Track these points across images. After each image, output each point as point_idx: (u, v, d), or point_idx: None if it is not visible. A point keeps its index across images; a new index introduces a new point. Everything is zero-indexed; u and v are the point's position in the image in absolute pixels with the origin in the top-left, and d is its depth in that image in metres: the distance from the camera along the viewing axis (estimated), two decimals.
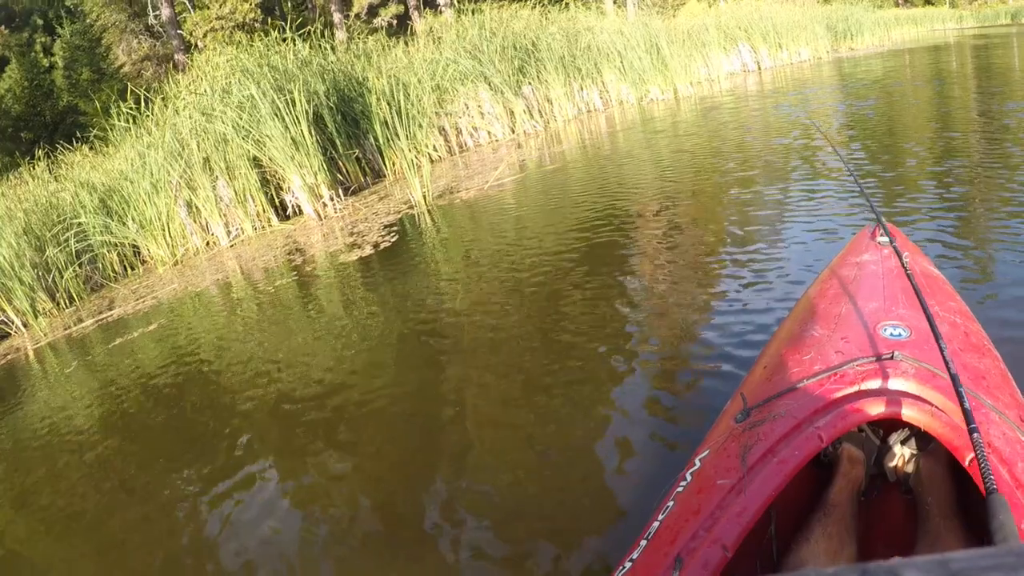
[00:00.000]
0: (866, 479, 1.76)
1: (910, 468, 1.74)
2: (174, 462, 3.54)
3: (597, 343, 3.66)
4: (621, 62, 15.75)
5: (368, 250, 6.60)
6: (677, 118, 12.87)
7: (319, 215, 9.29)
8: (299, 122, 9.33)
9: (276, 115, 9.30)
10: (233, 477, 3.19)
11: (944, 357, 1.44)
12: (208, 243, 9.55)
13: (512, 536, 2.37)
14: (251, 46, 10.98)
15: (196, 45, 22.81)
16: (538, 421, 3.04)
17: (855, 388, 1.55)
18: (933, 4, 60.06)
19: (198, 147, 9.52)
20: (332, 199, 9.44)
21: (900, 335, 1.71)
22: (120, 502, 3.28)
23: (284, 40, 11.39)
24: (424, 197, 8.23)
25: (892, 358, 1.58)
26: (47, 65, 31.29)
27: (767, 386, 1.78)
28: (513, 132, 13.17)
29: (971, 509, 1.55)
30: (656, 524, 1.49)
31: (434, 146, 11.75)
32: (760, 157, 7.67)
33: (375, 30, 25.47)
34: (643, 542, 1.48)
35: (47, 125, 26.35)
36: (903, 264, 2.02)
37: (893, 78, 15.63)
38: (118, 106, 10.54)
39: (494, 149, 12.04)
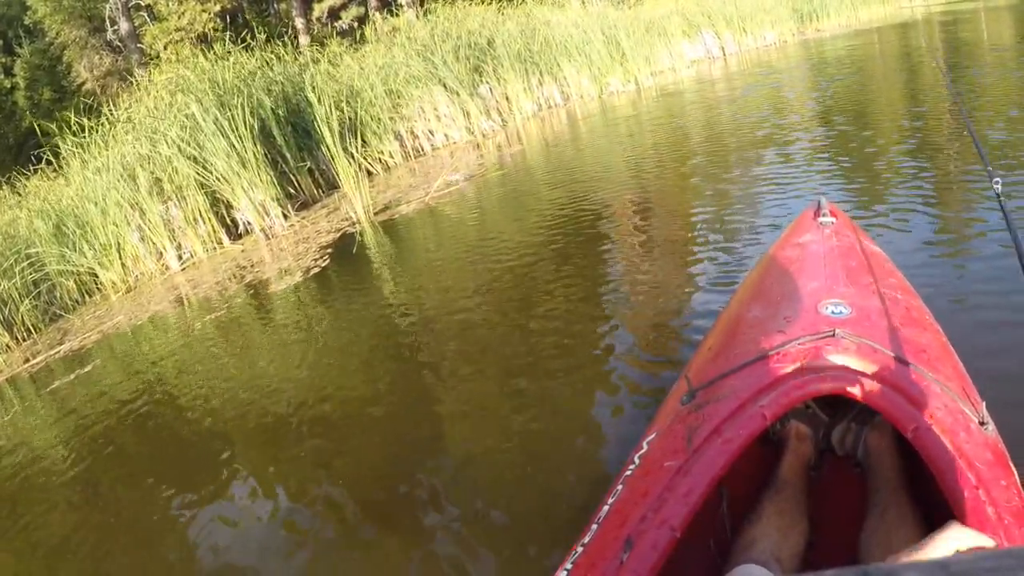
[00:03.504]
0: (815, 455, 1.81)
1: (858, 443, 1.78)
2: (148, 486, 3.55)
3: (558, 336, 3.73)
4: (579, 55, 15.58)
5: (303, 273, 6.40)
6: (638, 109, 12.71)
7: (266, 234, 9.05)
8: (244, 139, 9.10)
9: (220, 133, 9.07)
10: (209, 495, 3.23)
11: (885, 332, 1.60)
12: (162, 268, 9.35)
13: (487, 529, 2.42)
14: (198, 60, 10.73)
15: (158, 57, 22.49)
16: (504, 418, 3.09)
17: (797, 366, 1.58)
18: None
19: (143, 168, 9.30)
20: (282, 215, 9.21)
21: (841, 312, 1.75)
22: (97, 528, 3.28)
23: (246, 48, 11.18)
24: (367, 211, 7.97)
25: (833, 335, 1.61)
26: (8, 86, 30.93)
27: (712, 367, 1.82)
28: (471, 133, 12.93)
29: (918, 480, 1.59)
30: (606, 508, 1.51)
31: (390, 152, 11.52)
32: (715, 142, 7.87)
33: (339, 33, 25.27)
34: (594, 526, 1.49)
35: (10, 148, 26.01)
36: (844, 243, 2.17)
37: (859, 57, 15.59)
38: (77, 126, 10.29)
39: (451, 152, 11.76)
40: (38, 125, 13.45)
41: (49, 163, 11.15)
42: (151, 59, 22.48)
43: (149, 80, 11.04)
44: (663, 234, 5.08)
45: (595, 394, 3.02)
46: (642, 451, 1.66)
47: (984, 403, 1.54)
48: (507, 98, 13.96)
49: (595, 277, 4.51)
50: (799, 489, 1.66)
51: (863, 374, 1.50)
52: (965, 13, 29.16)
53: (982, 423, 1.45)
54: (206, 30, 23.82)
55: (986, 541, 1.02)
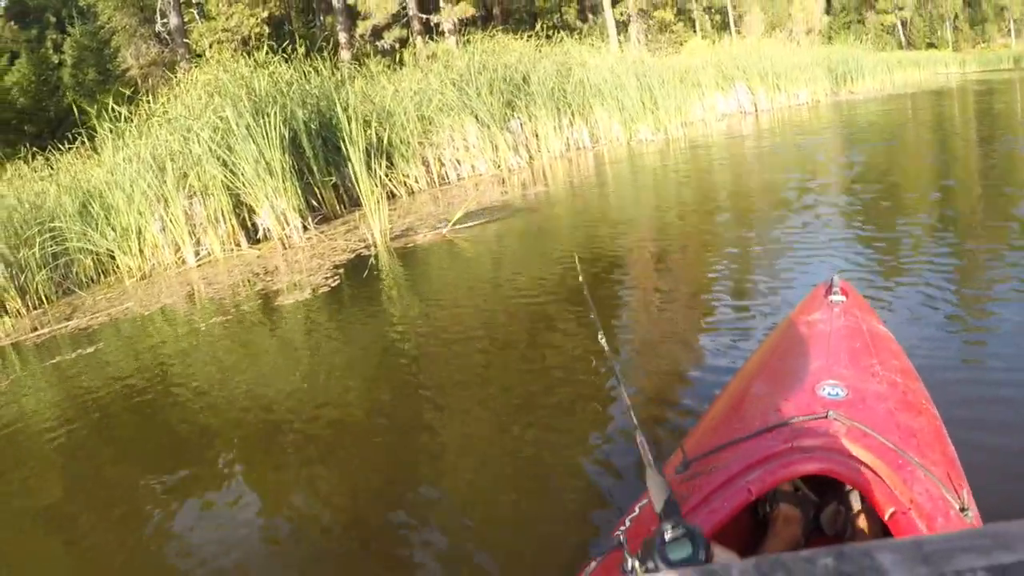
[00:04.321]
0: (802, 537, 1.82)
1: (847, 524, 1.81)
2: (134, 470, 3.63)
3: (560, 384, 3.74)
4: (612, 100, 15.77)
5: (312, 290, 6.49)
6: (666, 159, 12.84)
7: (283, 243, 9.27)
8: (273, 147, 9.35)
9: (251, 139, 9.33)
10: (194, 489, 3.28)
11: (878, 416, 1.62)
12: (178, 260, 9.58)
13: (468, 565, 2.42)
14: (237, 65, 11.00)
15: (202, 55, 22.85)
16: (498, 458, 3.11)
17: (788, 445, 1.61)
18: (936, 47, 60.28)
19: (172, 162, 9.56)
20: (301, 227, 9.42)
21: (837, 395, 1.78)
22: (87, 503, 3.38)
23: (287, 59, 11.43)
24: (384, 235, 8.08)
25: (826, 417, 1.66)
26: (56, 62, 31.52)
27: (708, 440, 1.86)
28: (497, 167, 13.13)
29: None
30: (593, 564, 1.58)
31: (415, 177, 11.74)
32: (739, 201, 7.85)
33: (381, 52, 25.63)
34: None
35: (51, 121, 26.42)
36: (851, 323, 2.19)
37: (891, 123, 15.61)
38: (114, 110, 10.56)
39: (476, 184, 11.94)
40: (78, 105, 13.80)
41: (84, 143, 11.45)
42: (195, 56, 22.89)
43: (190, 78, 11.31)
44: (677, 294, 5.07)
45: (590, 448, 3.03)
46: (634, 514, 1.73)
47: (967, 489, 1.60)
48: (536, 135, 14.16)
49: (604, 329, 4.41)
50: None
51: (850, 457, 1.55)
52: (1000, 83, 28.97)
53: (963, 509, 1.49)
54: (251, 34, 24.26)
55: None
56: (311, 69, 11.79)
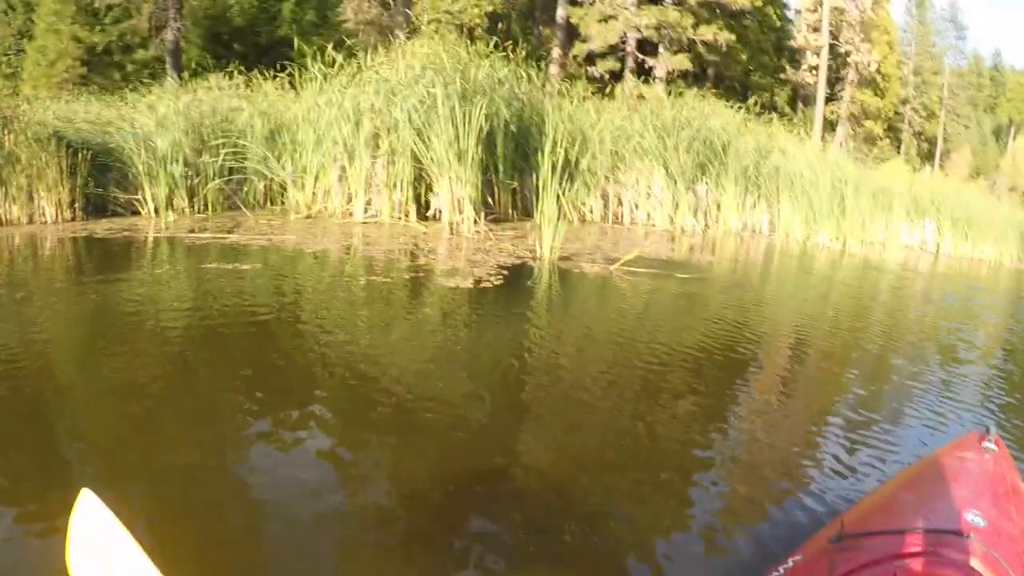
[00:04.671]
0: None
1: None
2: (238, 393, 3.71)
3: (677, 449, 3.67)
4: (802, 195, 15.35)
5: (474, 282, 6.49)
6: (835, 270, 12.39)
7: (452, 229, 9.31)
8: (469, 135, 9.39)
9: (451, 120, 9.39)
10: (291, 427, 3.31)
11: (1011, 552, 1.83)
12: (346, 212, 9.73)
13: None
14: (459, 48, 11.14)
15: (418, 30, 23.46)
16: (591, 492, 3.08)
17: (932, 549, 1.84)
18: None
19: (370, 120, 9.72)
20: (472, 219, 9.44)
21: (978, 523, 1.96)
22: (177, 405, 3.48)
23: (505, 56, 11.54)
24: (552, 252, 8.02)
25: (968, 537, 1.84)
26: None
27: (861, 525, 2.11)
28: (671, 223, 12.95)
29: None
30: None
31: (591, 207, 11.66)
32: (903, 336, 7.44)
33: (589, 77, 25.82)
34: None
35: (259, 46, 27.54)
36: (999, 471, 2.42)
37: None
38: (330, 54, 10.85)
39: (646, 234, 11.79)
40: (297, 38, 14.31)
41: (290, 75, 11.78)
42: (413, 28, 23.50)
43: (411, 47, 11.48)
44: (808, 399, 4.95)
45: (671, 521, 2.95)
46: (787, 565, 2.01)
47: None
48: (718, 206, 13.90)
49: (723, 411, 4.36)
50: None
51: (977, 574, 1.73)
52: None
53: None
54: (472, 23, 24.75)
55: None
56: (525, 74, 11.83)
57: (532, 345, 5.08)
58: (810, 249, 14.65)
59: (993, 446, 2.64)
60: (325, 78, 10.75)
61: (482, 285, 6.39)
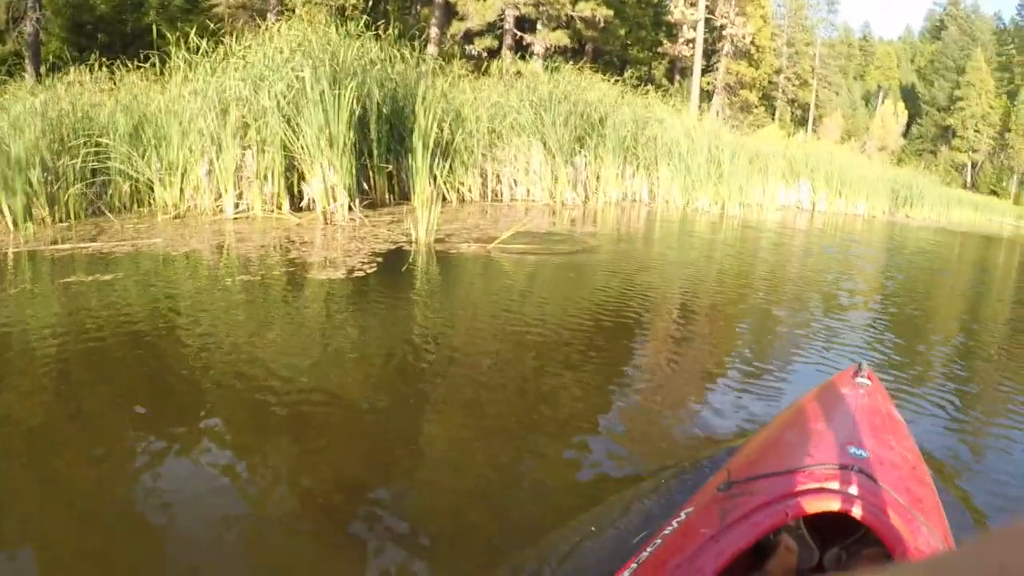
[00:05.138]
0: (797, 568, 2.05)
1: (848, 566, 2.07)
2: (118, 406, 3.48)
3: (576, 414, 3.69)
4: (680, 163, 15.63)
5: (347, 272, 6.30)
6: (716, 232, 12.74)
7: (326, 218, 9.09)
8: (340, 120, 9.17)
9: (321, 104, 9.15)
10: (174, 440, 3.12)
11: (891, 479, 1.93)
12: (216, 209, 9.39)
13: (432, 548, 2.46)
14: (329, 29, 10.86)
15: (292, 11, 22.85)
16: (483, 461, 3.12)
17: (819, 485, 1.88)
18: (998, 195, 60.62)
19: (237, 108, 9.38)
20: (347, 207, 9.22)
21: (860, 455, 2.05)
22: (65, 431, 3.22)
23: (377, 37, 11.30)
24: (428, 235, 7.89)
25: (852, 470, 1.92)
26: None
27: (748, 469, 2.16)
28: (552, 198, 12.98)
29: None
30: (645, 554, 1.86)
31: (469, 186, 11.58)
32: (785, 288, 7.93)
33: (467, 56, 25.67)
34: (633, 565, 1.85)
35: (125, 35, 26.40)
36: (873, 404, 2.58)
37: (938, 254, 15.86)
38: (195, 41, 10.39)
39: (527, 209, 11.77)
40: (159, 26, 13.71)
41: (154, 65, 11.26)
42: (287, 10, 22.88)
43: (278, 30, 11.10)
44: (700, 354, 5.13)
45: (569, 477, 3.03)
46: (680, 518, 2.03)
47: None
48: (598, 177, 14.02)
49: (617, 373, 4.47)
50: None
51: (870, 504, 1.80)
52: None
53: None
54: (346, 4, 24.28)
55: None
56: (398, 54, 11.61)
57: (413, 331, 4.98)
58: (690, 214, 14.99)
59: (866, 380, 2.82)
60: (190, 66, 10.31)
61: (355, 275, 6.19)
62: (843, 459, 2.01)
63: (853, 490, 1.86)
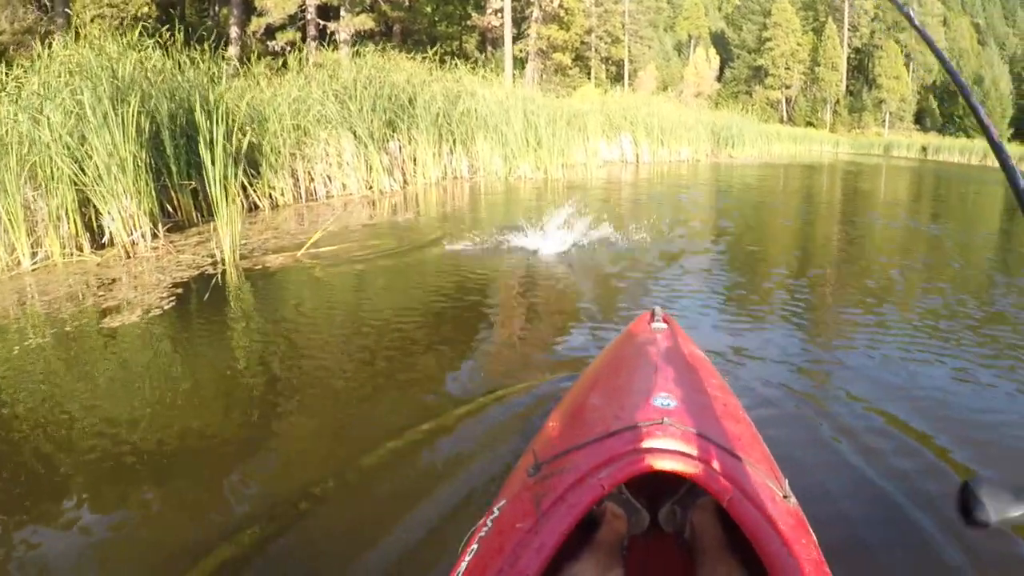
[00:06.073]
0: (628, 533, 2.05)
1: (684, 522, 2.05)
2: None
3: (406, 407, 3.80)
4: (496, 133, 15.70)
5: (143, 312, 5.83)
6: (541, 198, 12.88)
7: (127, 251, 8.49)
8: (129, 140, 8.64)
9: (107, 128, 8.60)
10: (31, 514, 2.95)
11: (704, 422, 1.91)
12: (14, 262, 8.65)
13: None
14: (104, 44, 10.22)
15: (81, 30, 21.55)
16: (348, 466, 3.16)
17: (632, 447, 1.81)
18: (814, 126, 64.39)
19: (20, 147, 8.67)
20: (150, 234, 8.68)
21: (669, 404, 2.01)
22: None
23: (163, 45, 10.71)
24: (234, 253, 7.52)
25: (662, 423, 1.86)
26: None
27: (556, 444, 2.05)
28: (369, 188, 12.78)
29: (738, 546, 1.81)
30: (464, 564, 1.70)
31: (281, 190, 11.20)
32: (621, 240, 8.33)
33: (271, 53, 24.90)
34: None
35: None
36: (673, 347, 2.58)
37: (764, 188, 16.68)
38: None
39: (345, 204, 11.52)
40: None
41: None
42: (76, 28, 21.56)
43: (48, 53, 10.35)
44: (523, 321, 5.43)
45: (437, 466, 3.12)
46: (494, 515, 1.85)
47: (785, 480, 1.87)
48: (415, 160, 13.91)
49: (450, 355, 4.64)
50: (613, 552, 1.90)
51: (687, 455, 1.76)
52: (868, 166, 31.45)
53: (785, 496, 1.75)
54: (139, 13, 23.14)
55: None
56: (188, 60, 11.08)
57: (230, 359, 4.77)
58: (513, 183, 15.13)
59: (662, 324, 2.84)
60: None
61: (152, 314, 5.74)
62: (651, 413, 1.96)
63: (666, 444, 1.81)
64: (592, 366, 2.88)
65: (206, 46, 11.69)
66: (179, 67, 10.80)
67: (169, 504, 2.97)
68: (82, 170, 8.39)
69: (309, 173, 11.86)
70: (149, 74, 10.10)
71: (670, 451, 1.78)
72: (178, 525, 2.83)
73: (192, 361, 4.79)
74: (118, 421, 3.79)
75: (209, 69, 11.36)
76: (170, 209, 9.63)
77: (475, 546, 1.77)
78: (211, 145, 8.43)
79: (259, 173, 10.77)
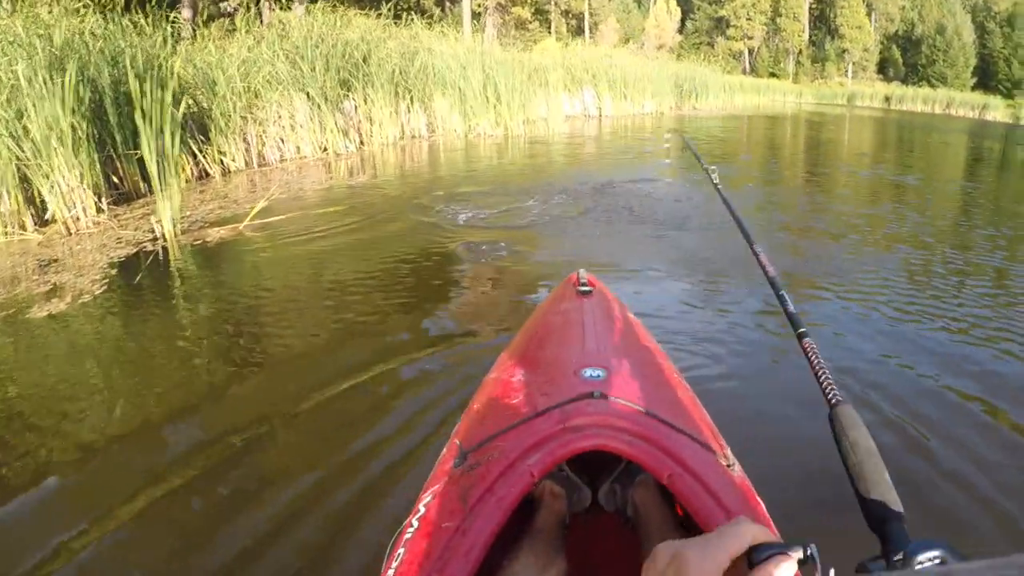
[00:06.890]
0: (569, 512, 1.92)
1: (626, 500, 1.92)
2: None
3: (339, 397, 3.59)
4: (454, 90, 15.39)
5: (72, 298, 5.43)
6: (502, 156, 12.83)
7: (68, 228, 8.01)
8: (67, 110, 8.22)
9: (45, 99, 8.18)
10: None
11: (638, 391, 1.79)
12: None
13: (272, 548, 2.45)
14: (49, 8, 9.77)
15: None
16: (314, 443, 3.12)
17: (560, 427, 1.67)
18: (777, 77, 64.50)
19: None
20: (94, 207, 8.29)
21: (598, 376, 1.88)
22: None
23: (102, 9, 10.25)
24: (175, 226, 7.18)
25: (592, 396, 1.74)
26: None
27: (480, 430, 1.88)
28: (324, 150, 12.46)
29: (684, 523, 1.75)
30: (391, 572, 1.54)
31: (232, 155, 10.83)
32: (581, 203, 8.21)
33: (224, 14, 24.19)
34: None
35: None
36: (600, 311, 2.43)
37: (727, 139, 16.65)
38: None
39: (299, 167, 11.22)
40: None
41: None
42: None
43: None
44: (467, 290, 5.31)
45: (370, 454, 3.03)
46: (419, 513, 1.69)
47: (728, 448, 1.75)
48: (371, 120, 13.58)
49: (387, 331, 4.47)
50: (554, 536, 1.76)
51: (620, 430, 1.62)
52: (831, 116, 31.70)
53: (729, 465, 1.63)
54: None
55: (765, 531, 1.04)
56: (130, 24, 10.61)
57: (171, 346, 4.49)
58: (473, 141, 14.90)
59: (588, 287, 2.66)
60: None
61: (82, 300, 5.35)
62: (579, 387, 1.82)
63: (598, 420, 1.67)
64: (515, 339, 2.70)
65: (149, 8, 11.23)
66: (123, 31, 10.33)
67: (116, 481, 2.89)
68: (19, 146, 7.95)
69: (261, 137, 11.49)
70: (87, 39, 9.62)
71: (602, 427, 1.66)
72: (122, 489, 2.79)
73: (122, 349, 4.56)
74: (59, 410, 3.63)
75: (154, 32, 10.90)
76: (116, 181, 9.22)
77: (401, 551, 1.63)
78: (146, 113, 8.05)
79: (209, 139, 10.41)
